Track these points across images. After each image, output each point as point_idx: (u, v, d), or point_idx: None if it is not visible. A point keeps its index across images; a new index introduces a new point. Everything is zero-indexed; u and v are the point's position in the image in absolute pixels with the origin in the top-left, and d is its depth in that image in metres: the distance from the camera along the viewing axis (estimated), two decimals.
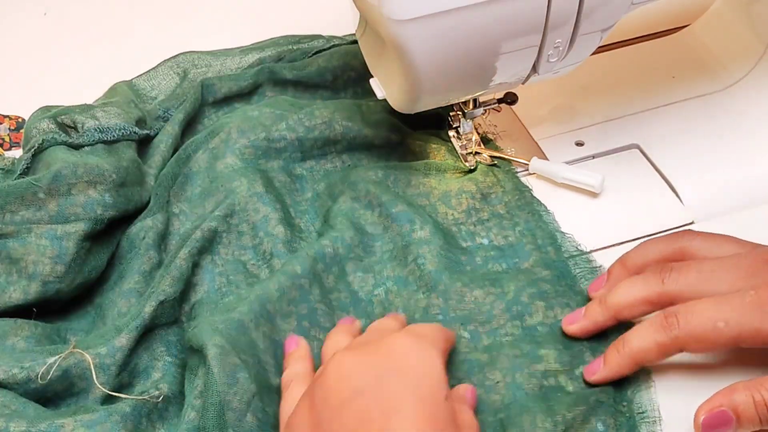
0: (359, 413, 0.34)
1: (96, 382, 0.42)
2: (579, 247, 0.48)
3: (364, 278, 0.47)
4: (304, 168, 0.54)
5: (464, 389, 0.40)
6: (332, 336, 0.42)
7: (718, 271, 0.40)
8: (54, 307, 0.48)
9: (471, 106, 0.52)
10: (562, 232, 0.48)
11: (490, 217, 0.50)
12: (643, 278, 0.42)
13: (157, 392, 0.42)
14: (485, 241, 0.49)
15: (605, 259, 0.48)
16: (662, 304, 0.40)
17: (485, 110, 0.53)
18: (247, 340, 0.42)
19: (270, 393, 0.41)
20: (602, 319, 0.42)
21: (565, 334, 0.43)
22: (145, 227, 0.50)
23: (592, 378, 0.41)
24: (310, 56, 0.61)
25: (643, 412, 0.40)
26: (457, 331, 0.44)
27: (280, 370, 0.43)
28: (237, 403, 0.39)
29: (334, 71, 0.59)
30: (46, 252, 0.46)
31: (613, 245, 0.49)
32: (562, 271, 0.46)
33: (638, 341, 0.39)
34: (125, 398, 0.41)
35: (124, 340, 0.43)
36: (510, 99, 0.53)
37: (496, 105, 0.53)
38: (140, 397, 0.42)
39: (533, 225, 0.49)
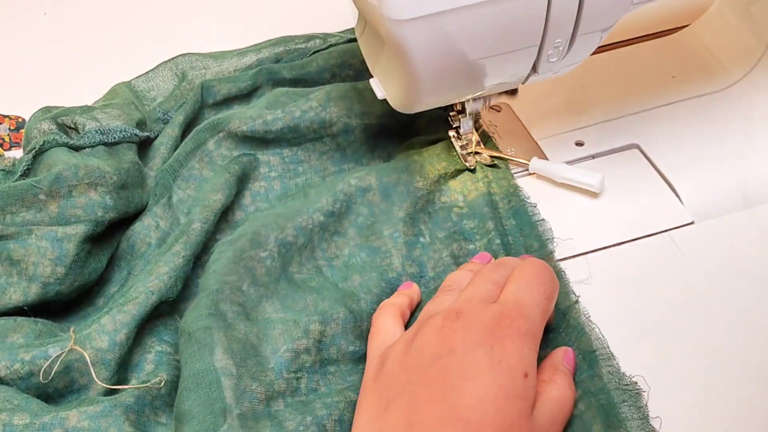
0: (444, 369, 0.37)
1: (95, 377, 0.42)
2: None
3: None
4: (299, 151, 0.54)
5: (561, 355, 0.41)
6: (437, 298, 0.44)
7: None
8: (54, 309, 0.48)
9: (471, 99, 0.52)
10: (551, 239, 0.48)
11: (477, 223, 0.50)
12: None
13: (157, 378, 0.43)
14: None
15: (605, 259, 0.48)
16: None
17: (485, 103, 0.52)
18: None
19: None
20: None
21: None
22: (145, 227, 0.50)
23: None
24: (309, 56, 0.61)
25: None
26: None
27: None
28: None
29: (332, 70, 0.59)
30: (46, 254, 0.46)
31: (613, 245, 0.49)
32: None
33: None
34: (127, 388, 0.42)
35: (123, 336, 0.43)
36: (498, 109, 0.54)
37: (496, 104, 0.53)
38: (142, 386, 0.42)
39: (524, 229, 0.49)
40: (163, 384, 0.43)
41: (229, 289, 0.44)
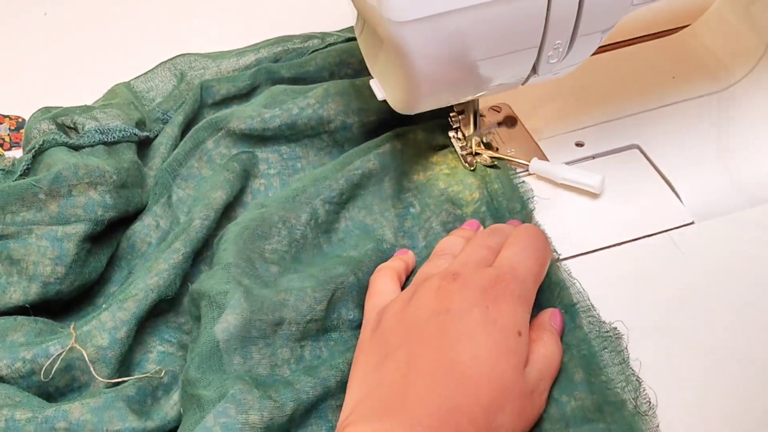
0: (441, 327, 0.38)
1: (95, 374, 0.42)
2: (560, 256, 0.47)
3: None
4: (297, 147, 0.55)
5: (548, 315, 0.43)
6: (431, 261, 0.45)
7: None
8: (54, 308, 0.48)
9: (471, 129, 0.53)
10: (572, 280, 0.47)
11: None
12: None
13: (158, 368, 0.43)
14: None
15: (605, 259, 0.48)
16: None
17: (488, 131, 0.54)
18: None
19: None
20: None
21: None
22: (145, 226, 0.50)
23: None
24: (307, 55, 0.61)
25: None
26: None
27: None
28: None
29: (330, 68, 0.59)
30: (46, 253, 0.46)
31: (613, 245, 0.49)
32: None
33: None
34: (128, 380, 0.42)
35: (123, 333, 0.43)
36: (509, 123, 0.55)
37: (496, 127, 0.55)
38: (142, 376, 0.43)
39: (506, 192, 0.50)
40: (164, 374, 0.43)
41: (244, 262, 0.45)
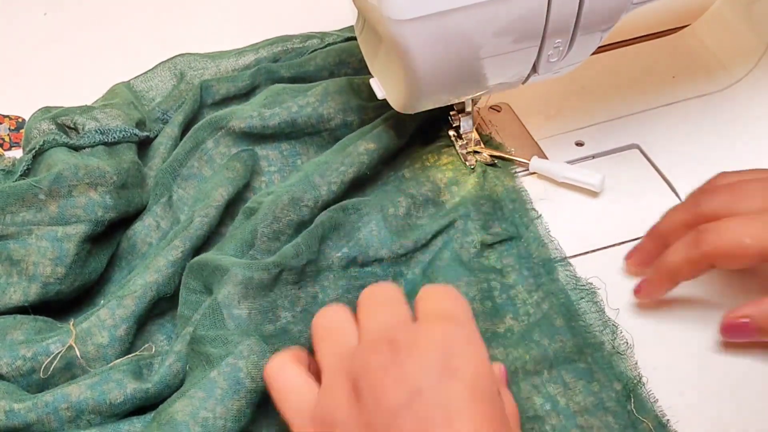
0: (419, 418, 0.31)
1: (88, 369, 0.43)
2: (566, 257, 0.48)
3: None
4: (297, 144, 0.55)
5: (497, 369, 0.40)
6: (372, 311, 0.37)
7: (749, 191, 0.42)
8: (54, 309, 0.48)
9: (471, 127, 0.53)
10: (551, 238, 0.49)
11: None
12: (682, 204, 0.45)
13: (147, 345, 0.44)
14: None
15: (605, 259, 0.48)
16: (700, 225, 0.42)
17: (488, 131, 0.54)
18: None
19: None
20: (651, 246, 0.45)
21: None
22: (146, 227, 0.50)
23: (638, 295, 0.45)
24: (307, 55, 0.61)
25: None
26: None
27: None
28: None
29: (330, 68, 0.59)
30: (46, 253, 0.46)
31: (613, 245, 0.49)
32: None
33: (672, 257, 0.42)
34: (117, 363, 0.42)
35: (123, 332, 0.43)
36: (498, 109, 0.55)
37: (496, 104, 0.54)
38: (132, 356, 0.43)
39: (522, 229, 0.50)
40: (153, 350, 0.44)
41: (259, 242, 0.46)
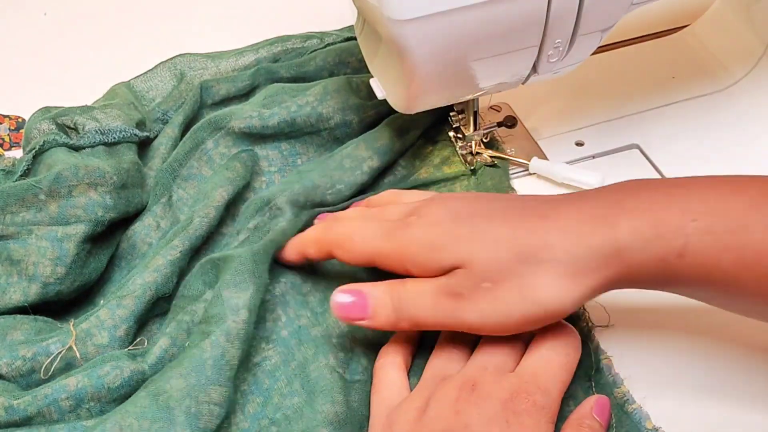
0: None
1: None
2: None
3: None
4: (297, 144, 0.55)
5: (590, 405, 0.39)
6: (438, 362, 0.42)
7: (391, 209, 0.44)
8: (54, 309, 0.48)
9: (471, 128, 0.53)
10: None
11: None
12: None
13: (139, 339, 0.44)
14: None
15: None
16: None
17: (485, 133, 0.54)
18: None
19: None
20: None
21: None
22: (146, 227, 0.50)
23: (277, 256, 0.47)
24: (307, 55, 0.61)
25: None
26: None
27: None
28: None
29: (330, 68, 0.59)
30: (46, 254, 0.46)
31: None
32: None
33: (306, 233, 0.46)
34: (113, 353, 0.43)
35: (122, 332, 0.43)
36: (509, 123, 0.55)
37: (496, 128, 0.54)
38: (126, 350, 0.43)
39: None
40: (146, 344, 0.44)
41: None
